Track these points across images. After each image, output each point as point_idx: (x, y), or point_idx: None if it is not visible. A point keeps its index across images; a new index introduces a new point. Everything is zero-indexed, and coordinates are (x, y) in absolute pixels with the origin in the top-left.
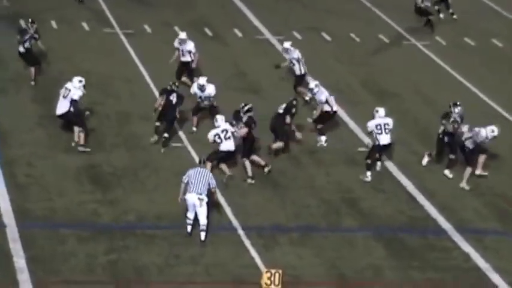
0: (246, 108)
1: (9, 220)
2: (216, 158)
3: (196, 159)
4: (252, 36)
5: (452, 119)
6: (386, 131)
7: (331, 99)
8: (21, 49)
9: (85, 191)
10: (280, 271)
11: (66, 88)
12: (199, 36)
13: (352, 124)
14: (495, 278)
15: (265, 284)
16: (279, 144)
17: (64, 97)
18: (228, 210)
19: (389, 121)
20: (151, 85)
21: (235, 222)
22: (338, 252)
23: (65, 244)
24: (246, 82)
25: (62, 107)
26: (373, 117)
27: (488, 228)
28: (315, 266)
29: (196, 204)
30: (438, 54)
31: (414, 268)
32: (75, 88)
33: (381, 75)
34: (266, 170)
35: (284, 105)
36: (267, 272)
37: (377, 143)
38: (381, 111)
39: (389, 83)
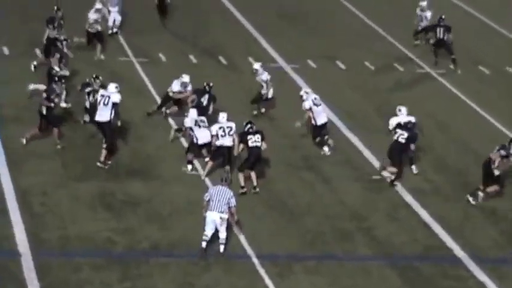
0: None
1: (24, 249)
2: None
3: (211, 188)
4: (266, 64)
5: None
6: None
7: (317, 110)
8: (87, 104)
9: (99, 219)
10: None
11: (103, 95)
12: (214, 64)
13: (366, 152)
14: None
15: None
16: None
17: (105, 104)
18: (241, 237)
19: (412, 119)
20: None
21: (249, 250)
22: (353, 280)
23: (79, 272)
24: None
25: (103, 115)
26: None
27: (504, 257)
28: None
29: (217, 222)
30: (453, 82)
31: None
32: (112, 93)
33: (396, 103)
34: (256, 190)
35: None
36: None
37: (397, 139)
38: (403, 110)
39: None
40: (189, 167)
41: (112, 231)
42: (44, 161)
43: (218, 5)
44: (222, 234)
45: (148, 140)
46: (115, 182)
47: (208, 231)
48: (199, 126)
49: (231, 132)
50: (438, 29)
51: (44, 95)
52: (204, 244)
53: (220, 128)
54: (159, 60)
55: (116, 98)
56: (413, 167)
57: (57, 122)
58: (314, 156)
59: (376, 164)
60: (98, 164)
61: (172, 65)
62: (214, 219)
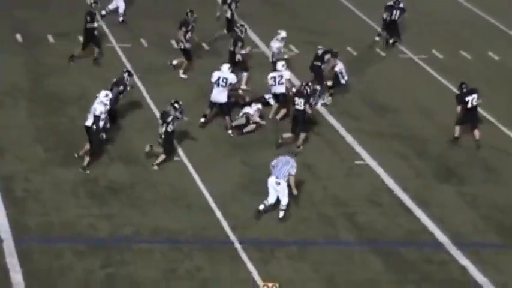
0: None
1: (6, 235)
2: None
3: (194, 174)
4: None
5: None
6: None
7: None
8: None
9: (82, 205)
10: (277, 285)
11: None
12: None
13: (349, 138)
14: None
15: None
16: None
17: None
18: (225, 224)
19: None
20: (148, 98)
21: (232, 236)
22: (335, 266)
23: (61, 258)
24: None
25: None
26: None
27: (485, 241)
28: (313, 280)
29: (275, 187)
30: (435, 67)
31: (411, 282)
32: (99, 103)
33: (379, 88)
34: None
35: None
36: (264, 286)
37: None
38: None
39: (387, 97)
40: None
41: (94, 217)
42: (26, 148)
43: None
44: (284, 200)
45: (131, 125)
46: (97, 168)
47: (270, 197)
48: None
49: (281, 81)
50: (394, 11)
51: None
52: (261, 207)
53: (272, 77)
54: (140, 45)
55: (98, 110)
56: None
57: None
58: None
59: (358, 149)
60: (80, 169)
61: (154, 50)
62: (273, 184)
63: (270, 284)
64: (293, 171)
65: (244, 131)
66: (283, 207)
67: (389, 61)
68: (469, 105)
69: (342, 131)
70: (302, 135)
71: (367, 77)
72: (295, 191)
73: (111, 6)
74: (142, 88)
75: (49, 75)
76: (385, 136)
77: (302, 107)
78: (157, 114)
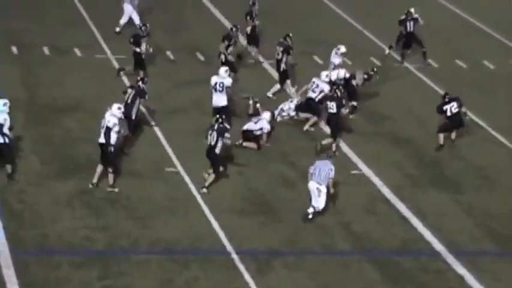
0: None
1: (3, 247)
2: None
3: (191, 185)
4: (246, 60)
5: None
6: None
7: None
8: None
9: (78, 217)
10: None
11: (104, 117)
12: (191, 60)
13: (345, 148)
14: None
15: None
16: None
17: (102, 127)
18: (221, 234)
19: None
20: (143, 110)
21: (228, 247)
22: (332, 275)
23: (58, 270)
24: (240, 106)
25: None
26: None
27: (482, 250)
28: None
29: (316, 193)
30: (430, 76)
31: None
32: (112, 115)
33: (374, 97)
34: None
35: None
36: None
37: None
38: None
39: (382, 106)
40: None
41: (91, 228)
42: (22, 159)
43: (195, 1)
44: (320, 206)
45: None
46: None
47: (313, 201)
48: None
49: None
50: (408, 23)
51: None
52: (309, 210)
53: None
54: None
55: (111, 122)
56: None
57: None
58: (293, 152)
59: (355, 159)
60: (109, 189)
61: (148, 61)
62: (314, 190)
63: None
64: (332, 175)
65: (244, 145)
66: (317, 210)
67: (384, 71)
68: (449, 113)
69: (339, 141)
70: (329, 139)
71: (364, 88)
72: (332, 191)
73: (122, 21)
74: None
75: (44, 86)
76: (381, 145)
77: (335, 111)
78: (152, 122)
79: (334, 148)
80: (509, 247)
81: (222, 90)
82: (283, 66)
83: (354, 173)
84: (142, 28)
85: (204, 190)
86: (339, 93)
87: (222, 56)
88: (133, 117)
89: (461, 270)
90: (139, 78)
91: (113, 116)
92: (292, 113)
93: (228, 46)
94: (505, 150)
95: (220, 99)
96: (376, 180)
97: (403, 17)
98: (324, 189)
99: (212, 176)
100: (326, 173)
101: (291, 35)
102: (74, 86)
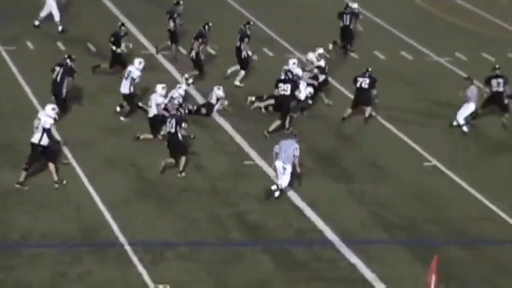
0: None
1: None
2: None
3: (83, 177)
4: (140, 51)
5: None
6: None
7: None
8: None
9: None
10: (168, 286)
11: (38, 118)
12: (83, 51)
13: (238, 138)
14: None
15: None
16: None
17: (36, 128)
18: (114, 226)
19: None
20: (35, 102)
21: (121, 238)
22: (226, 266)
23: None
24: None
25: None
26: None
27: (373, 238)
28: (204, 280)
29: (281, 171)
30: (461, 68)
31: (302, 280)
32: (47, 116)
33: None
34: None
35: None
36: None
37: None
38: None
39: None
40: None
41: None
42: None
43: None
44: (284, 184)
45: (17, 128)
46: None
47: (279, 179)
48: None
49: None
50: (345, 16)
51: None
52: (273, 187)
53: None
54: (26, 48)
55: (47, 123)
56: None
57: None
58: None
59: (248, 149)
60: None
61: (40, 53)
62: (279, 167)
63: (160, 286)
64: (297, 153)
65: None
66: (281, 187)
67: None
68: (358, 85)
69: (231, 131)
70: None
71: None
72: (299, 170)
73: (43, 14)
74: (22, 82)
75: None
76: (275, 136)
77: (288, 93)
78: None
79: (287, 126)
80: (400, 235)
81: (128, 78)
82: (244, 53)
83: (246, 163)
84: (122, 28)
85: (183, 174)
86: (290, 76)
87: (193, 53)
88: (63, 96)
89: (353, 258)
90: (66, 56)
91: (47, 116)
92: (181, 100)
93: (201, 44)
94: (398, 141)
95: (124, 87)
96: (269, 170)
97: (342, 10)
98: (289, 168)
99: (183, 159)
100: (291, 152)
101: (251, 23)
102: (13, 86)
